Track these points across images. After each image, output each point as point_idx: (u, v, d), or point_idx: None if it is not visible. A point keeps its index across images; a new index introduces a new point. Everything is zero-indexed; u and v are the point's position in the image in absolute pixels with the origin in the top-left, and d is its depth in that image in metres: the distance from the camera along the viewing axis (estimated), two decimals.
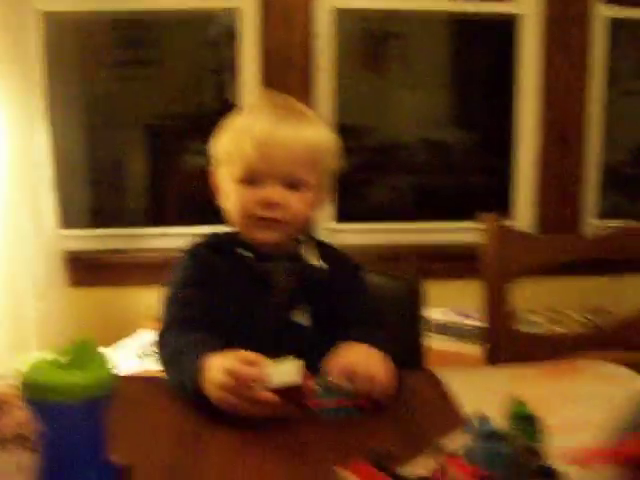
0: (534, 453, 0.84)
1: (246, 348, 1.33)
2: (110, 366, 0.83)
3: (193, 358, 1.17)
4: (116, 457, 0.90)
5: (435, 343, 2.47)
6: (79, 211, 3.04)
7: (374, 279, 1.62)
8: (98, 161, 3.09)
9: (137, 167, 3.17)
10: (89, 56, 3.01)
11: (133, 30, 3.03)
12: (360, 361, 1.18)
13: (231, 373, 1.09)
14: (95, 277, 2.77)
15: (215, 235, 1.48)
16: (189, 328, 1.29)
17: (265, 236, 1.38)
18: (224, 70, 2.96)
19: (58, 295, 2.64)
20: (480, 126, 3.22)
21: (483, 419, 0.90)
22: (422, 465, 0.88)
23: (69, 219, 2.83)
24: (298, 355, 1.36)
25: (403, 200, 3.25)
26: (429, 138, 3.18)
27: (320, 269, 1.43)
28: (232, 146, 1.38)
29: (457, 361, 2.40)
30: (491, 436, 0.85)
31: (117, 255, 2.81)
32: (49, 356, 0.82)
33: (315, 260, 1.44)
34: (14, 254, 2.55)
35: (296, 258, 1.43)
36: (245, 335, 1.35)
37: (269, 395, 1.07)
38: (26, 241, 2.56)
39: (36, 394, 0.79)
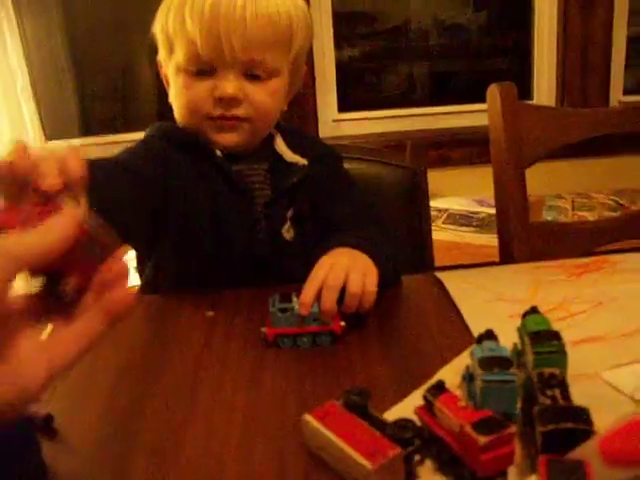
0: (553, 384, 0.64)
1: (219, 276, 1.14)
2: None
3: None
4: (32, 406, 0.75)
5: (451, 235, 2.32)
6: (68, 121, 2.84)
7: (373, 169, 1.41)
8: (94, 67, 2.87)
9: (140, 73, 2.94)
10: None
11: None
12: (333, 270, 0.92)
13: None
14: None
15: (173, 127, 1.18)
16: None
17: (226, 139, 1.12)
18: None
19: None
20: (496, 6, 2.98)
21: (487, 339, 0.71)
22: (412, 404, 0.69)
23: (58, 130, 2.67)
24: (281, 272, 1.16)
25: (417, 87, 3.04)
26: (443, 21, 2.94)
27: (300, 167, 1.18)
28: (172, 25, 1.09)
29: (474, 253, 2.21)
30: (495, 362, 0.65)
31: None
32: None
33: (291, 156, 1.19)
34: None
35: (267, 156, 1.19)
36: (219, 260, 1.15)
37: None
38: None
39: None
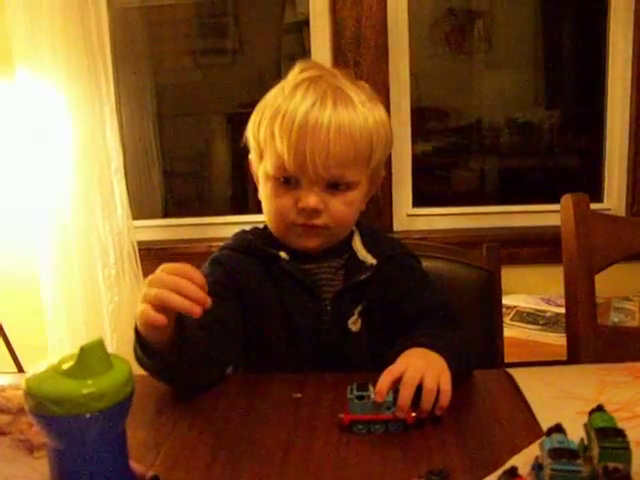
0: (617, 477, 0.70)
1: (289, 364, 1.24)
2: (125, 369, 0.74)
3: None
4: (141, 468, 0.82)
5: (518, 332, 2.36)
6: (154, 201, 3.03)
7: (446, 267, 1.49)
8: (176, 150, 3.09)
9: (217, 156, 3.13)
10: (162, 45, 2.99)
11: (211, 19, 3.00)
12: (409, 369, 0.98)
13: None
14: None
15: (244, 236, 1.32)
16: None
17: (307, 242, 1.23)
18: (303, 56, 2.83)
19: (132, 286, 2.60)
20: (568, 106, 3.05)
21: (556, 432, 0.77)
22: None
23: (143, 210, 2.85)
24: (347, 361, 1.24)
25: (488, 183, 3.11)
26: (516, 119, 3.02)
27: (369, 265, 1.26)
28: (263, 135, 1.21)
29: (541, 351, 2.24)
30: (563, 453, 0.72)
31: (192, 244, 2.73)
32: (58, 363, 0.72)
33: (364, 254, 1.27)
34: (87, 245, 2.52)
35: (343, 252, 1.28)
36: (289, 350, 1.24)
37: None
38: (99, 232, 2.53)
39: (39, 407, 0.70)
